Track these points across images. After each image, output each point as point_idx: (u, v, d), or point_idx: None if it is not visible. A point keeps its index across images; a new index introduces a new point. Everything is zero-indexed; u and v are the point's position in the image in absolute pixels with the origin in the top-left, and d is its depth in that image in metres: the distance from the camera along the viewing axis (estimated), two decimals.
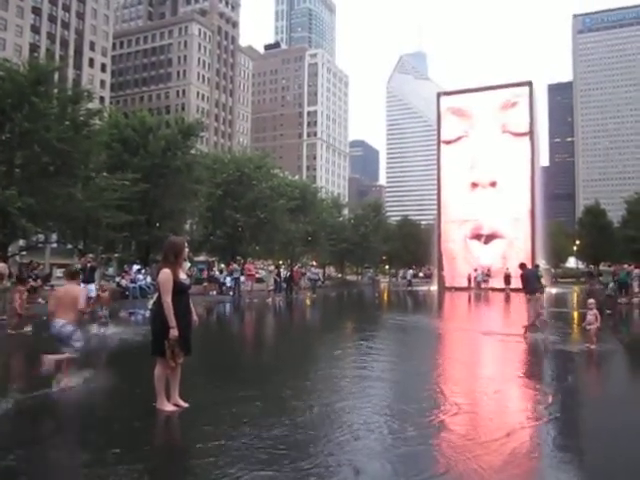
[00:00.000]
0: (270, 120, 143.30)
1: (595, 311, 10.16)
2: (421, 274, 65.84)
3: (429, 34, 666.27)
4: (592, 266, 73.64)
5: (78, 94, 28.18)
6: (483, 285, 38.39)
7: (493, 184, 43.37)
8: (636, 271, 25.31)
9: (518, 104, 43.77)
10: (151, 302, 6.45)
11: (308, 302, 26.51)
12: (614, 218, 72.67)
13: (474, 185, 44.02)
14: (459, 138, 45.24)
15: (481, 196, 43.49)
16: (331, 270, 73.29)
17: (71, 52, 78.97)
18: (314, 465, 4.10)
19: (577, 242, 69.56)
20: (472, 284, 38.67)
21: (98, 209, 25.67)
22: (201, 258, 47.64)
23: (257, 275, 34.50)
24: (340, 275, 65.86)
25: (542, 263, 37.51)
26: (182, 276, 5.68)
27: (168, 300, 5.34)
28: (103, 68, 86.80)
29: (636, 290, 24.51)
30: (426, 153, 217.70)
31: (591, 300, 10.83)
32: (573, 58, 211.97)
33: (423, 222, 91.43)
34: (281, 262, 51.35)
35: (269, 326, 16.49)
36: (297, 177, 74.45)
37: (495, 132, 43.63)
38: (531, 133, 43.70)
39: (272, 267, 36.38)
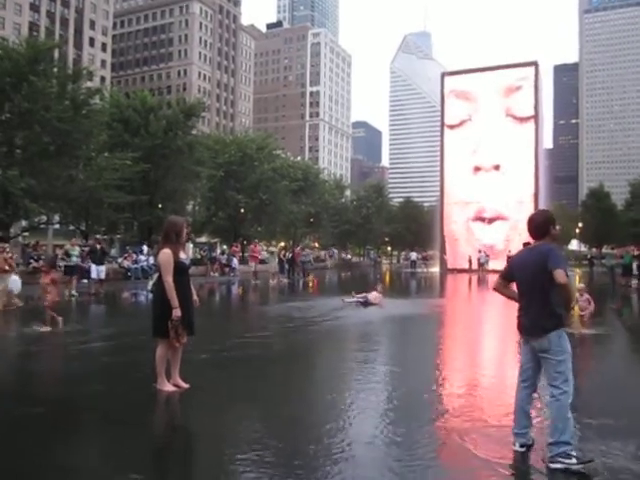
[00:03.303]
0: (272, 101, 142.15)
1: (587, 296, 10.13)
2: (419, 256, 65.82)
3: (434, 13, 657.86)
4: (594, 249, 73.56)
5: (77, 72, 27.93)
6: (484, 267, 38.31)
7: (497, 167, 43.16)
8: (636, 253, 25.23)
9: (522, 88, 43.32)
10: (151, 283, 6.41)
11: (310, 284, 26.51)
12: (618, 201, 72.34)
13: (477, 169, 43.82)
14: (462, 122, 44.91)
15: (484, 179, 43.31)
16: (333, 252, 73.35)
17: (71, 31, 78.15)
18: (314, 439, 4.09)
19: (580, 225, 69.32)
20: (472, 266, 38.63)
21: (99, 189, 25.60)
22: (203, 239, 47.68)
23: (260, 257, 34.60)
24: (344, 256, 65.96)
25: None
26: (182, 256, 5.62)
27: (170, 280, 5.29)
28: (104, 47, 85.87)
29: (636, 273, 24.41)
30: (429, 134, 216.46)
31: (581, 285, 10.79)
32: (579, 38, 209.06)
33: (426, 204, 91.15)
34: (283, 244, 51.40)
35: (271, 306, 16.47)
36: (299, 158, 74.05)
37: (499, 116, 43.28)
38: (536, 116, 43.30)
39: (274, 249, 36.47)
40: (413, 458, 3.85)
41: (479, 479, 3.52)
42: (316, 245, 68.40)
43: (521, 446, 3.92)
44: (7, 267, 12.41)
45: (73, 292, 15.77)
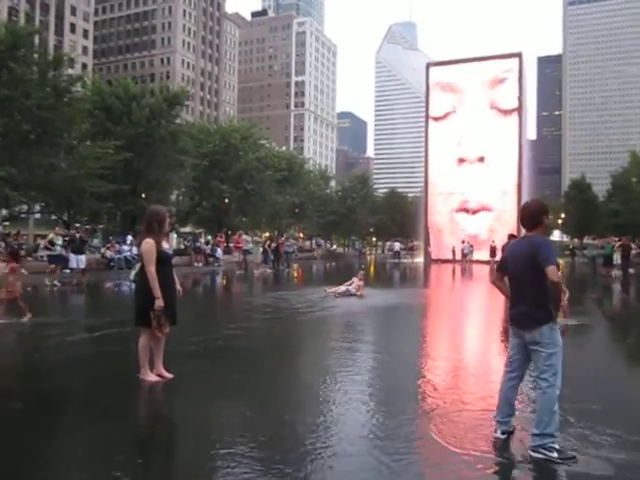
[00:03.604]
0: (257, 90, 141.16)
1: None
2: (402, 246, 66.09)
3: (419, 3, 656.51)
4: (575, 240, 74.49)
5: (58, 59, 27.43)
6: (468, 257, 38.64)
7: (481, 159, 43.42)
8: (618, 244, 25.62)
9: (507, 80, 43.54)
10: (133, 273, 6.34)
11: (293, 274, 26.50)
12: (599, 192, 73.24)
13: (461, 161, 44.06)
14: (447, 114, 45.09)
15: (469, 171, 43.55)
16: (320, 242, 73.38)
17: (52, 17, 76.64)
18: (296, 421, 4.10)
19: (562, 215, 70.10)
20: (456, 257, 38.90)
21: (82, 178, 25.27)
22: (187, 229, 47.39)
23: (244, 247, 34.44)
24: (330, 247, 66.02)
25: None
26: (165, 246, 5.57)
27: (152, 270, 5.24)
28: (85, 34, 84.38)
29: (617, 263, 24.80)
30: (414, 125, 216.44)
31: None
32: (563, 30, 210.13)
33: (410, 194, 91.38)
34: (268, 234, 51.29)
35: (256, 296, 16.45)
36: (284, 148, 73.75)
37: (483, 108, 43.50)
38: (519, 108, 43.57)
39: (259, 239, 36.36)
40: (397, 444, 3.87)
41: (461, 466, 3.55)
42: (301, 235, 68.35)
43: (502, 433, 3.96)
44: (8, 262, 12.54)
45: (55, 282, 15.58)
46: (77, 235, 17.96)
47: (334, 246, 69.54)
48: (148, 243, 5.34)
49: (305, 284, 21.55)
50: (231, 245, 33.57)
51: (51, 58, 27.61)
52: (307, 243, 67.96)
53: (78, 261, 17.33)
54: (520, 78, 43.79)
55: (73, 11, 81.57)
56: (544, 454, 3.61)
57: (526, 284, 3.79)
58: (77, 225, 19.43)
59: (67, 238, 19.13)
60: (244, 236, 31.12)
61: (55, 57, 28.16)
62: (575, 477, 3.45)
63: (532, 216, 3.93)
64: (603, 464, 3.57)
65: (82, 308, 13.17)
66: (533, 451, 3.65)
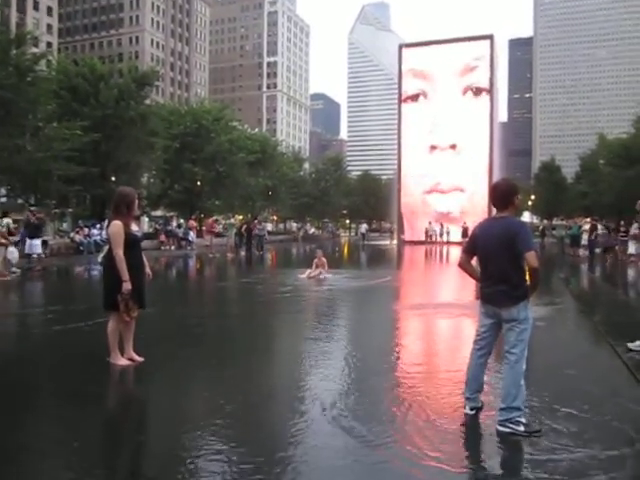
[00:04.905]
0: (229, 71, 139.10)
1: None
2: (369, 228, 66.40)
3: None
4: (545, 221, 75.97)
5: (21, 37, 26.48)
6: (440, 239, 39.18)
7: (453, 147, 43.71)
8: (585, 226, 26.18)
9: (479, 67, 43.83)
10: (101, 256, 6.22)
11: (265, 257, 26.45)
12: (568, 174, 74.58)
13: (433, 148, 44.34)
14: (419, 98, 45.24)
15: (441, 157, 43.88)
16: (292, 225, 73.13)
17: None
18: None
19: (532, 197, 71.28)
20: (429, 238, 39.50)
21: (48, 160, 24.61)
22: (159, 213, 46.75)
23: (217, 230, 34.22)
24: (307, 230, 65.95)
25: None
26: (134, 228, 5.48)
27: (120, 253, 5.16)
28: (49, 11, 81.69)
29: (584, 243, 25.35)
30: (388, 107, 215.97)
31: None
32: (534, 13, 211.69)
33: (384, 176, 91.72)
34: (242, 217, 50.94)
35: (227, 280, 16.38)
36: (257, 130, 73.03)
37: (455, 93, 43.72)
38: (490, 90, 43.91)
39: (232, 221, 36.05)
40: (368, 422, 3.91)
41: (432, 440, 3.60)
42: (275, 218, 68.13)
43: (471, 409, 4.04)
44: (3, 240, 13.80)
45: (13, 269, 14.78)
46: (31, 219, 16.95)
47: (312, 229, 69.59)
48: (116, 225, 5.24)
49: (276, 268, 21.54)
50: (204, 229, 33.30)
51: (13, 37, 26.65)
52: (281, 226, 67.86)
53: (32, 246, 16.30)
54: (492, 61, 44.07)
55: None
56: (510, 427, 3.69)
57: (503, 264, 3.81)
58: (32, 208, 18.57)
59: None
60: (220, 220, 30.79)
61: (17, 35, 27.18)
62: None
63: (503, 196, 3.95)
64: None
65: (27, 297, 12.28)
66: (501, 425, 3.73)
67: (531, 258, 3.66)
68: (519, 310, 3.80)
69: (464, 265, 4.18)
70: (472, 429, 3.89)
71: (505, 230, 3.80)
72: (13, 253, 14.35)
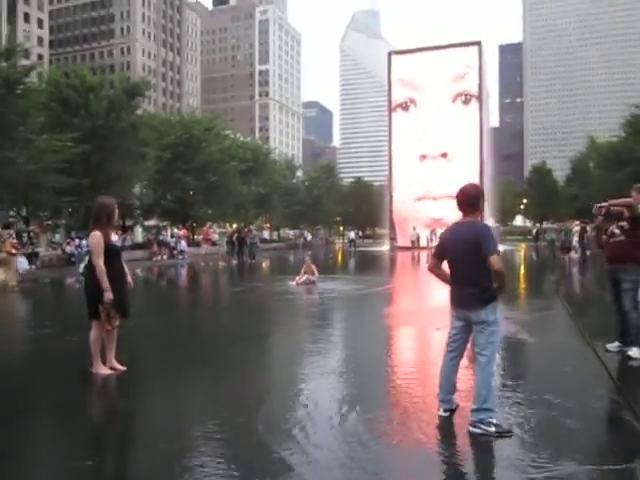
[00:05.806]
0: (220, 81, 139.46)
1: None
2: (360, 234, 66.54)
3: None
4: (538, 225, 76.28)
5: (11, 50, 26.56)
6: (432, 245, 39.37)
7: (444, 155, 43.80)
8: (576, 228, 26.33)
9: (468, 74, 44.09)
10: (82, 266, 6.28)
11: (257, 266, 26.48)
12: (560, 178, 75.04)
13: (423, 157, 44.48)
14: (409, 107, 45.43)
15: (431, 165, 44.03)
16: (288, 233, 73.15)
17: (3, 5, 74.01)
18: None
19: (524, 201, 71.68)
20: (412, 244, 39.88)
21: (38, 173, 24.60)
22: (152, 222, 46.72)
23: (213, 238, 34.42)
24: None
25: (491, 222, 38.59)
26: (114, 238, 5.53)
27: (100, 263, 5.22)
28: (40, 24, 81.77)
29: (575, 245, 25.51)
30: (379, 114, 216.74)
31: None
32: (524, 17, 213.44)
33: (376, 183, 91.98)
34: (235, 225, 50.92)
35: (217, 289, 16.41)
36: (249, 139, 73.14)
37: (445, 101, 43.91)
38: (480, 97, 44.16)
39: (224, 230, 36.06)
40: (348, 425, 3.96)
41: (406, 441, 3.66)
42: (267, 226, 68.13)
43: (445, 411, 4.10)
44: (14, 250, 14.46)
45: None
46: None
47: (309, 236, 69.57)
48: (95, 236, 5.30)
49: (268, 276, 21.57)
50: (197, 237, 33.32)
51: (3, 50, 26.71)
52: (275, 234, 67.83)
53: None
54: (480, 67, 44.37)
55: (26, 0, 78.94)
56: (482, 429, 3.75)
57: (472, 267, 3.88)
58: (11, 219, 18.57)
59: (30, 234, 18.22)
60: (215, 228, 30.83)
61: (7, 48, 27.26)
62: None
63: (473, 200, 4.03)
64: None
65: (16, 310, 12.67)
66: (472, 427, 3.79)
67: (494, 261, 3.73)
68: (487, 312, 3.86)
69: (434, 269, 4.23)
70: (446, 431, 3.94)
71: (471, 234, 3.88)
72: (22, 263, 15.24)
